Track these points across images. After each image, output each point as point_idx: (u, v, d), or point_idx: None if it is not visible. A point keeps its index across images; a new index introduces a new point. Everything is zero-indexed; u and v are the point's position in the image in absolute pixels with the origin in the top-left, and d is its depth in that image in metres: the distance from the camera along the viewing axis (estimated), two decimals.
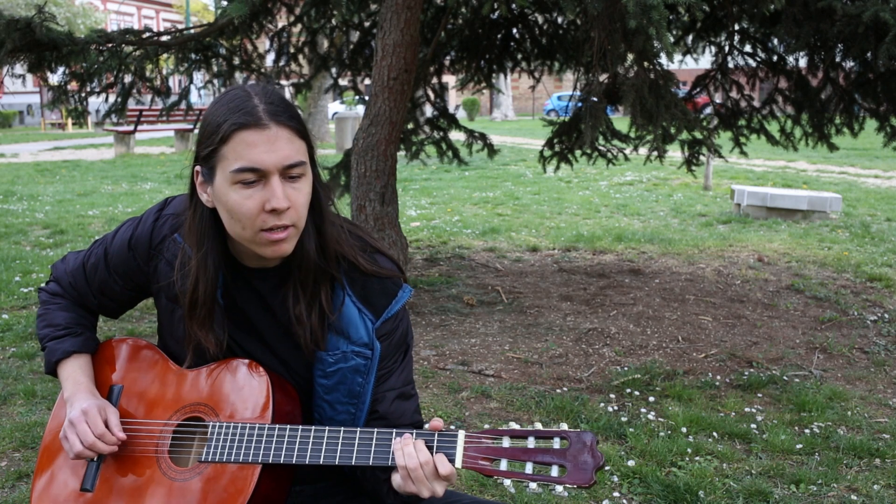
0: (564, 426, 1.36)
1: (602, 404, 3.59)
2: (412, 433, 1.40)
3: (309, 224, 1.47)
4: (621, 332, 4.70)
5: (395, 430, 1.42)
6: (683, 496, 2.75)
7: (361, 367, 1.52)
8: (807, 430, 3.35)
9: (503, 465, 1.34)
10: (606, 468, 2.94)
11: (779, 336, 4.66)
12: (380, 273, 1.54)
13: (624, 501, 2.77)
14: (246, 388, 1.50)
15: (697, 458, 3.07)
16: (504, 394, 3.70)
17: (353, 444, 1.42)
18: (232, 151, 1.38)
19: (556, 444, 1.34)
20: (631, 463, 2.99)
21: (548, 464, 1.32)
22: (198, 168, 1.46)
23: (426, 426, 1.42)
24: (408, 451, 1.37)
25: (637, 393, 3.73)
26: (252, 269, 1.54)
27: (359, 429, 1.43)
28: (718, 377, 3.98)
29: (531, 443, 1.34)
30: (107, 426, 1.54)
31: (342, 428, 1.44)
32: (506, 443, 1.35)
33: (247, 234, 1.42)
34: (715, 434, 3.30)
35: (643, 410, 3.53)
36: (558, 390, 3.77)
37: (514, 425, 1.38)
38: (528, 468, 1.33)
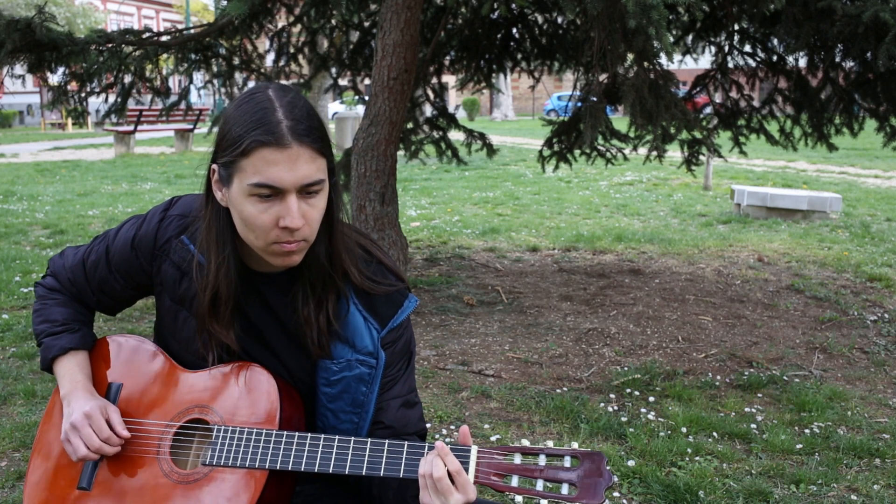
0: (575, 445, 1.37)
1: (602, 404, 3.59)
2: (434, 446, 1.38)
3: (321, 231, 1.46)
4: (621, 332, 4.70)
5: (406, 441, 1.41)
6: (683, 496, 2.75)
7: (366, 375, 1.52)
8: (807, 430, 3.35)
9: (514, 481, 1.35)
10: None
11: (779, 336, 4.66)
12: (381, 291, 1.53)
13: (624, 501, 2.77)
14: (253, 391, 1.49)
15: (697, 458, 3.07)
16: (504, 394, 3.70)
17: (364, 454, 1.41)
18: (251, 166, 1.36)
19: (567, 462, 1.34)
20: (631, 463, 2.99)
21: (558, 482, 1.33)
22: (215, 166, 1.44)
23: (457, 435, 1.41)
24: (436, 461, 1.34)
25: (637, 393, 3.73)
26: (258, 273, 1.53)
27: (369, 439, 1.42)
28: (718, 377, 3.97)
29: (542, 460, 1.35)
30: (109, 426, 1.53)
31: (352, 437, 1.43)
32: (517, 459, 1.36)
33: (258, 244, 1.42)
34: (715, 434, 3.29)
35: (643, 410, 3.53)
36: (558, 390, 3.77)
37: (525, 443, 1.38)
38: (539, 485, 1.33)
